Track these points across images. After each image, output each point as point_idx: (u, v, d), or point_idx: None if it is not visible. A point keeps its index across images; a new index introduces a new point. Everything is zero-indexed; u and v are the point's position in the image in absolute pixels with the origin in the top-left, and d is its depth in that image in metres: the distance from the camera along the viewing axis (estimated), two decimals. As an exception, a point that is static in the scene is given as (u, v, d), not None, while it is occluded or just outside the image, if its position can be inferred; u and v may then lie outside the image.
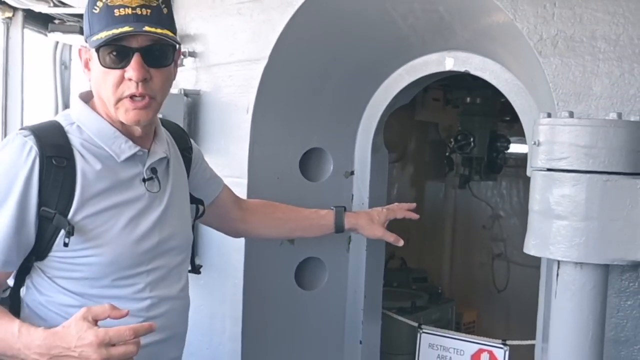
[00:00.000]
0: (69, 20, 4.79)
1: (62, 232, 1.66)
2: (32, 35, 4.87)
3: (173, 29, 1.76)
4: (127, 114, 1.72)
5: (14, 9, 4.43)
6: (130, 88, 1.69)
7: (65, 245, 1.66)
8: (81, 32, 4.77)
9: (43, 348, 1.54)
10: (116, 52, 1.67)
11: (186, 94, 2.95)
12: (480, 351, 2.73)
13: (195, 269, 2.27)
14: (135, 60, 1.67)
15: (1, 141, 1.88)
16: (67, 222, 1.66)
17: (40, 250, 1.71)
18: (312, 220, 2.42)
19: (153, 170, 1.83)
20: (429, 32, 2.52)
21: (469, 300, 4.55)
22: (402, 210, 2.51)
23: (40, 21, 4.77)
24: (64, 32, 4.79)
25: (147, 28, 1.65)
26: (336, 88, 2.78)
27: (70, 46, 5.25)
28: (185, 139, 2.11)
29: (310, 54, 2.65)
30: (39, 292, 1.76)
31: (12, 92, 4.62)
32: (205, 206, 2.17)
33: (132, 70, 1.66)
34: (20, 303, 1.78)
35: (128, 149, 1.77)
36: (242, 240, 2.63)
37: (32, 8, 4.29)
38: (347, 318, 2.91)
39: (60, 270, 1.72)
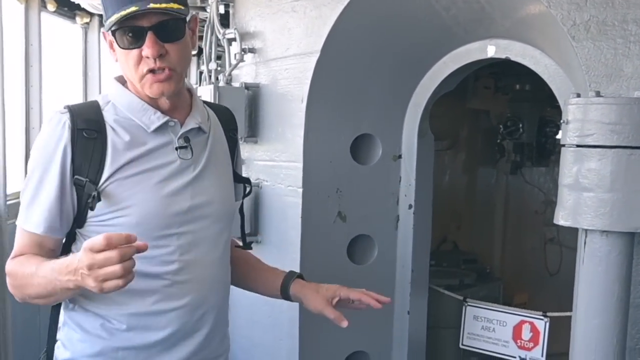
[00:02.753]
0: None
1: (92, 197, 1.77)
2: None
3: (181, 1, 1.78)
4: (151, 87, 1.79)
5: (91, 15, 4.76)
6: (149, 64, 1.76)
7: (91, 209, 1.78)
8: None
9: (65, 268, 1.62)
10: (131, 33, 1.74)
11: (247, 87, 3.17)
12: (522, 322, 2.85)
13: (246, 245, 2.23)
14: (149, 38, 1.73)
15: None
16: (95, 188, 1.76)
17: (78, 216, 1.82)
18: (265, 275, 2.26)
19: (186, 139, 1.88)
20: (470, 22, 2.65)
21: (520, 283, 4.62)
22: (357, 293, 2.18)
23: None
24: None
25: (151, 5, 1.70)
26: (384, 77, 2.93)
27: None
28: (232, 121, 2.15)
29: (359, 46, 2.80)
30: None
31: (91, 91, 4.96)
32: None
33: (147, 48, 1.73)
34: None
35: (157, 119, 1.85)
36: (298, 217, 2.83)
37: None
38: (396, 290, 3.06)
39: (95, 233, 1.70)
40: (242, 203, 2.20)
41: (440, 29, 2.72)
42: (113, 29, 1.75)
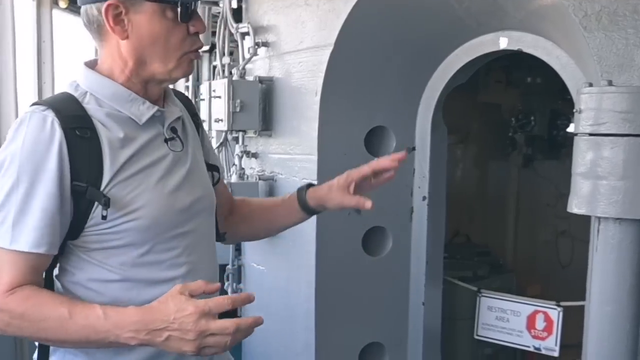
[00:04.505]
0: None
1: (96, 205, 1.55)
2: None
3: None
4: (189, 67, 1.67)
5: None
6: (196, 42, 1.65)
7: (104, 217, 1.55)
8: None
9: (140, 324, 1.46)
10: (183, 7, 1.59)
11: (261, 80, 3.20)
12: (536, 312, 2.88)
13: (220, 237, 2.04)
14: (196, 12, 1.63)
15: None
16: (102, 193, 1.54)
17: (73, 227, 1.58)
18: (279, 207, 2.13)
19: (173, 129, 1.73)
20: (483, 14, 2.67)
21: (533, 274, 4.63)
22: (368, 166, 2.02)
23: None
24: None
25: None
26: (397, 70, 2.96)
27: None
28: (192, 105, 1.99)
29: (372, 39, 2.83)
30: (74, 272, 1.63)
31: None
32: None
33: (199, 23, 1.62)
34: (54, 286, 1.64)
35: (147, 110, 1.66)
36: (313, 210, 2.87)
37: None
38: (410, 282, 3.10)
39: (96, 243, 1.60)
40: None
41: (453, 21, 2.74)
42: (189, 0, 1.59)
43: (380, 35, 2.83)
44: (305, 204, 2.04)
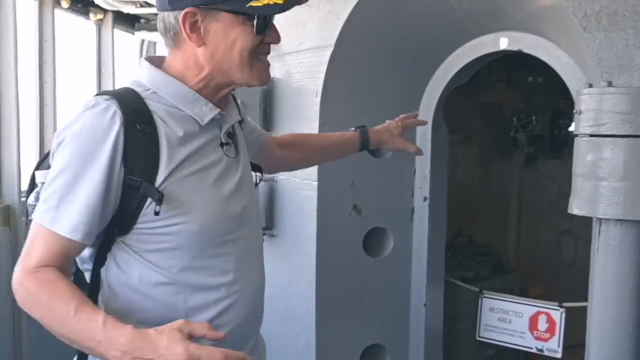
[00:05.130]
0: (153, 20, 5.15)
1: (149, 201, 1.53)
2: (121, 35, 5.25)
3: None
4: (265, 74, 1.69)
5: (105, 11, 4.79)
6: (266, 51, 1.66)
7: (157, 213, 1.53)
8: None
9: (128, 346, 1.41)
10: (260, 19, 1.60)
11: (261, 81, 3.22)
12: (538, 313, 2.87)
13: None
14: (273, 24, 1.65)
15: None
16: (156, 189, 1.52)
17: (124, 222, 1.56)
18: (338, 145, 2.35)
19: (230, 134, 1.74)
20: (483, 15, 2.67)
21: (536, 275, 4.62)
22: (410, 119, 2.43)
23: (128, 21, 5.13)
24: (149, 30, 5.16)
25: None
26: (398, 70, 2.96)
27: (155, 43, 5.63)
28: (241, 110, 1.97)
29: (373, 39, 2.83)
30: (122, 270, 1.60)
31: (105, 87, 4.99)
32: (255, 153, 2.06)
33: (275, 34, 1.65)
34: (101, 284, 1.62)
35: (209, 111, 1.66)
36: (313, 210, 2.86)
37: (121, 9, 4.62)
38: (412, 283, 3.10)
39: (148, 243, 1.58)
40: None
41: (453, 21, 2.74)
42: (267, 12, 1.59)
43: (380, 36, 2.83)
44: (366, 144, 2.31)
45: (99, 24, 4.90)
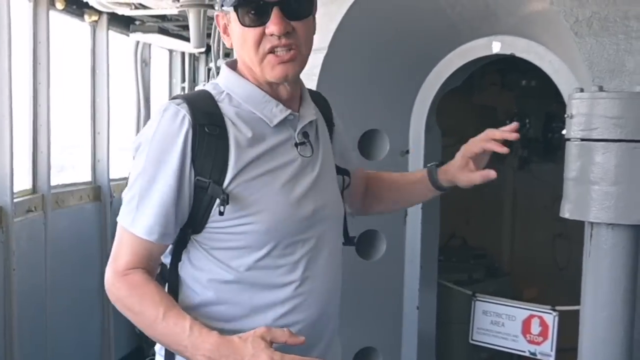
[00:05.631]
0: (148, 21, 5.16)
1: (218, 201, 1.58)
2: (116, 36, 5.25)
3: None
4: (273, 70, 1.62)
5: (99, 13, 4.81)
6: (272, 41, 1.60)
7: (221, 214, 1.58)
8: (160, 31, 5.13)
9: (214, 353, 1.49)
10: (255, 10, 1.59)
11: (256, 84, 3.21)
12: (531, 317, 2.87)
13: (350, 241, 2.02)
14: (275, 14, 1.57)
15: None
16: (222, 190, 1.57)
17: (196, 221, 1.63)
18: (411, 190, 2.17)
19: (305, 134, 1.72)
20: (475, 19, 2.68)
21: (530, 278, 4.62)
22: (482, 142, 2.08)
23: (123, 23, 5.15)
24: (144, 32, 5.18)
25: None
26: (391, 74, 2.96)
27: (150, 45, 5.64)
28: (330, 109, 1.98)
29: (366, 43, 2.83)
30: (193, 265, 1.68)
31: (99, 88, 5.01)
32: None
33: (272, 25, 1.57)
34: (177, 277, 1.70)
35: (279, 112, 1.67)
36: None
37: (115, 11, 4.63)
38: (405, 286, 3.09)
39: (217, 241, 1.64)
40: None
41: (446, 25, 2.75)
42: (235, 4, 1.60)
43: (374, 38, 2.83)
44: (437, 184, 2.08)
45: (94, 25, 4.92)
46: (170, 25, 5.30)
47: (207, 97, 1.67)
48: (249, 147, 1.62)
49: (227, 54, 3.80)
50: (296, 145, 1.70)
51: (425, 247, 3.07)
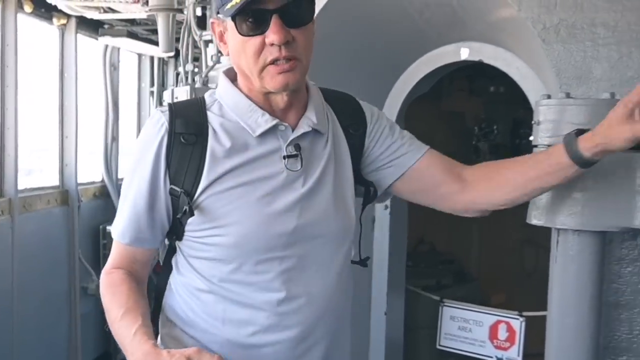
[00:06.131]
0: (117, 25, 5.10)
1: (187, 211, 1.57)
2: (84, 40, 5.19)
3: None
4: (273, 80, 1.55)
5: (68, 17, 4.74)
6: (272, 53, 1.53)
7: (182, 225, 1.59)
8: (129, 35, 5.07)
9: None
10: (253, 18, 1.52)
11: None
12: (498, 322, 2.89)
13: (362, 262, 1.92)
14: (274, 22, 1.50)
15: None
16: (188, 201, 1.56)
17: (177, 229, 1.64)
18: (543, 167, 1.77)
19: (296, 146, 1.63)
20: (443, 25, 2.69)
21: (498, 283, 4.67)
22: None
23: (92, 27, 5.08)
24: (113, 35, 5.12)
25: None
26: (358, 80, 2.94)
27: (119, 49, 5.57)
28: (350, 114, 1.80)
29: (334, 49, 2.81)
30: (179, 272, 1.69)
31: (68, 92, 4.95)
32: (396, 181, 1.80)
33: (272, 34, 1.50)
34: (168, 285, 1.74)
35: (264, 122, 1.60)
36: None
37: (84, 15, 4.58)
38: (373, 291, 3.08)
39: (195, 250, 1.64)
40: (362, 210, 1.88)
41: (414, 32, 2.76)
42: (233, 13, 1.51)
43: (341, 45, 2.82)
44: (579, 156, 1.68)
45: (62, 29, 4.87)
46: (140, 29, 5.24)
47: (197, 104, 1.66)
48: (226, 157, 1.59)
49: (196, 58, 3.76)
50: (284, 157, 1.62)
51: (393, 252, 3.07)
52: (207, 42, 3.36)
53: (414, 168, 1.81)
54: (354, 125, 1.78)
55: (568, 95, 2.04)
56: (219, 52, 3.21)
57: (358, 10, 2.71)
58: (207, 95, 1.70)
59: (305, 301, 1.63)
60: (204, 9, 3.48)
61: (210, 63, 3.29)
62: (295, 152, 1.63)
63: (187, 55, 3.57)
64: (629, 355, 2.09)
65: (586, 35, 2.16)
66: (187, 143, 1.58)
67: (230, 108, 1.64)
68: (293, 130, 1.64)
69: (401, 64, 2.96)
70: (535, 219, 2.10)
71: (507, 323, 2.87)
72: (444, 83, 4.30)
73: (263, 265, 1.60)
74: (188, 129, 1.59)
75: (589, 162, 1.71)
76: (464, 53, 2.73)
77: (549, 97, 2.12)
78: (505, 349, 2.91)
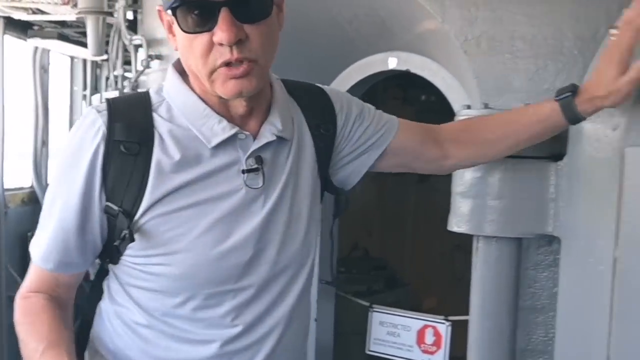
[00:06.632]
0: (47, 27, 4.98)
1: (125, 234, 1.34)
2: (12, 41, 5.05)
3: None
4: (224, 86, 1.32)
5: (-8, 15, 4.62)
6: (223, 54, 1.29)
7: (119, 252, 1.36)
8: (60, 37, 4.97)
9: None
10: (198, 11, 1.28)
11: (154, 94, 3.16)
12: (425, 327, 2.93)
13: (332, 280, 1.75)
14: (223, 17, 1.26)
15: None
16: (128, 224, 1.32)
17: (111, 252, 1.40)
18: (529, 129, 1.77)
19: (258, 158, 1.41)
20: (372, 35, 2.73)
21: (429, 288, 4.74)
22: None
23: (20, 28, 4.95)
24: (42, 37, 4.99)
25: None
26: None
27: (49, 51, 5.44)
28: (320, 112, 1.59)
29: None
30: (111, 299, 1.48)
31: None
32: (372, 165, 1.70)
33: (220, 31, 1.26)
34: (96, 311, 1.52)
35: (222, 131, 1.37)
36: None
37: (12, 15, 4.47)
38: (303, 298, 3.10)
39: (131, 277, 1.41)
40: (333, 223, 1.76)
41: (344, 40, 2.78)
42: (174, 5, 1.28)
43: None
44: (577, 119, 1.68)
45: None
46: (71, 32, 5.13)
47: (142, 103, 1.39)
48: (174, 172, 1.34)
49: (127, 61, 3.71)
50: (243, 172, 1.40)
51: (322, 259, 3.08)
52: (137, 47, 3.31)
53: (390, 148, 1.71)
54: (324, 124, 1.59)
55: (486, 106, 2.11)
56: (149, 56, 3.17)
57: (287, 19, 2.72)
58: (153, 92, 1.43)
59: (261, 335, 1.46)
60: (135, 12, 3.43)
61: (139, 68, 3.25)
62: (256, 166, 1.40)
63: (116, 59, 3.53)
64: (545, 357, 2.16)
65: (505, 48, 2.23)
66: (128, 153, 1.33)
67: (181, 111, 1.39)
68: (255, 139, 1.42)
69: (331, 73, 2.98)
70: (456, 226, 2.17)
71: (434, 327, 2.92)
72: (378, 92, 4.34)
73: (214, 299, 1.39)
74: (130, 135, 1.33)
75: (582, 119, 1.72)
76: (392, 62, 2.77)
77: (468, 107, 2.18)
78: (432, 352, 2.95)
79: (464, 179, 2.13)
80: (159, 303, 1.40)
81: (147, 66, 3.18)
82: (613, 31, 1.70)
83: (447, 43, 2.39)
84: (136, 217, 1.33)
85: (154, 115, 1.38)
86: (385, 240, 4.81)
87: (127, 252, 1.37)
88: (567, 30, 2.11)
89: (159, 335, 1.43)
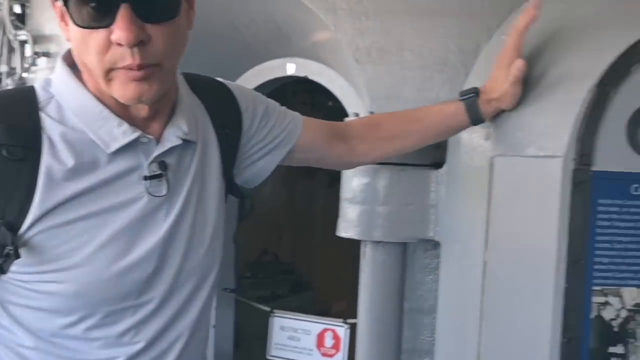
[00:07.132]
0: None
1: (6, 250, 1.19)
2: None
3: None
4: (123, 88, 1.19)
5: None
6: (123, 57, 1.16)
7: (2, 270, 1.19)
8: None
9: None
10: (95, 4, 1.14)
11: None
12: (325, 330, 2.97)
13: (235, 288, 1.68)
14: (122, 15, 1.13)
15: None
16: (12, 239, 1.17)
17: None
18: (435, 126, 1.85)
19: (161, 164, 1.30)
20: (270, 41, 2.75)
21: (338, 292, 4.79)
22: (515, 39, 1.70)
23: None
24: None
25: None
26: (189, 91, 2.96)
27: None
28: (226, 112, 1.50)
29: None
30: None
31: None
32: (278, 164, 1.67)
33: (119, 30, 1.13)
34: None
35: (122, 135, 1.25)
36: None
37: None
38: (202, 304, 3.08)
39: (14, 295, 1.26)
40: (237, 228, 1.68)
41: (242, 45, 2.79)
42: None
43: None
44: (479, 120, 1.79)
45: None
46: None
47: (26, 101, 1.24)
48: (67, 180, 1.21)
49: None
50: (145, 178, 1.28)
51: (223, 264, 3.07)
52: (22, 42, 3.19)
53: (296, 146, 1.67)
54: (230, 125, 1.51)
55: (372, 114, 2.16)
56: (35, 53, 3.06)
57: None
58: (39, 88, 1.27)
59: (163, 350, 1.36)
60: (23, 6, 3.28)
61: (25, 65, 3.13)
62: (159, 172, 1.29)
63: (0, 55, 3.40)
64: (431, 356, 2.23)
65: (394, 58, 2.28)
66: (11, 158, 1.17)
67: (74, 112, 1.25)
68: (158, 143, 1.31)
69: (232, 76, 2.98)
70: (344, 231, 2.21)
71: (333, 331, 2.96)
72: (288, 96, 4.36)
73: (112, 317, 1.28)
74: (13, 139, 1.18)
75: (483, 121, 1.82)
76: (291, 68, 2.79)
77: (357, 115, 2.23)
78: (331, 355, 2.99)
79: (351, 186, 2.18)
80: (47, 323, 1.27)
81: (33, 63, 3.06)
82: (504, 37, 1.82)
83: (340, 52, 2.43)
84: (21, 230, 1.19)
85: (42, 115, 1.23)
86: (295, 245, 4.83)
87: (12, 268, 1.21)
88: (451, 43, 2.19)
89: (46, 358, 1.29)
